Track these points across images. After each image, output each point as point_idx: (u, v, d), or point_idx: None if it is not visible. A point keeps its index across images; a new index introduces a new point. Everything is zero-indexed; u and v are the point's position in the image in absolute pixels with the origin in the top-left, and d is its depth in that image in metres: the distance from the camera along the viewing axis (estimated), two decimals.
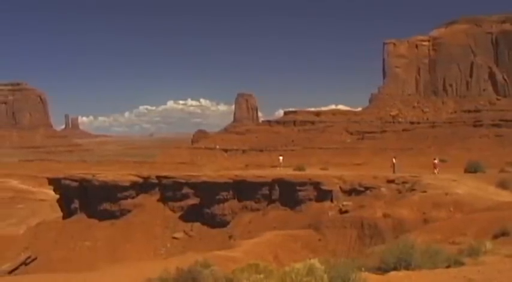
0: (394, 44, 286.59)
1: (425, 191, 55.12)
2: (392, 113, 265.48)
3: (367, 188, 66.03)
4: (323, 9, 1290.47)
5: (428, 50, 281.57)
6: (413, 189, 58.15)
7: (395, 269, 18.70)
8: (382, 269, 19.07)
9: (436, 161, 76.48)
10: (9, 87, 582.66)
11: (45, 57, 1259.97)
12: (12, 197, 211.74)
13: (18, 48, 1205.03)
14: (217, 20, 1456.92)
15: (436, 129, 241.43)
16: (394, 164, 76.36)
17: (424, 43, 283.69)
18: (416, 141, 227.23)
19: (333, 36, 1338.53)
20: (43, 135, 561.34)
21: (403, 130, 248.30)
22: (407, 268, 18.59)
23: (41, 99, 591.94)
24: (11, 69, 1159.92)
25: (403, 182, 64.18)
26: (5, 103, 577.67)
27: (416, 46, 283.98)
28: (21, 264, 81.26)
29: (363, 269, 18.25)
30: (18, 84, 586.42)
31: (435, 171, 72.34)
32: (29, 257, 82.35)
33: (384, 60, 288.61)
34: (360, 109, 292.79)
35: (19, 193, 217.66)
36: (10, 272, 77.50)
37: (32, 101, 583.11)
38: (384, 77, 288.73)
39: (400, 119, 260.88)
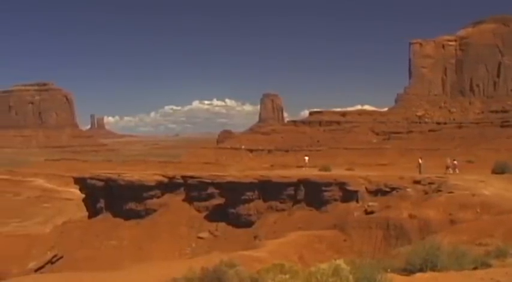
0: (421, 44, 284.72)
1: (451, 192, 54.75)
2: (418, 114, 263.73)
3: (393, 189, 65.56)
4: (349, 10, 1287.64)
5: (455, 50, 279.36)
6: (440, 190, 57.77)
7: (421, 270, 18.61)
8: (408, 270, 18.99)
9: (455, 162, 76.13)
10: (36, 88, 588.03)
11: (71, 58, 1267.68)
12: (39, 196, 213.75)
13: (45, 48, 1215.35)
14: (243, 20, 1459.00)
15: (462, 130, 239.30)
16: (420, 164, 75.96)
17: (451, 43, 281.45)
18: (442, 141, 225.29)
19: (359, 37, 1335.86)
20: (69, 135, 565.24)
21: (430, 130, 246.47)
22: (433, 269, 18.48)
23: (67, 99, 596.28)
24: (38, 69, 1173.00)
25: (430, 183, 63.70)
26: (32, 103, 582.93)
27: (443, 46, 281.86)
28: (47, 263, 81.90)
29: (388, 270, 18.18)
30: (44, 84, 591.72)
31: (450, 171, 72.22)
32: (55, 256, 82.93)
33: (410, 60, 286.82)
34: (386, 109, 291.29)
35: (45, 192, 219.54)
36: (36, 270, 78.17)
37: (58, 101, 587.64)
38: (409, 77, 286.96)
39: (426, 120, 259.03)
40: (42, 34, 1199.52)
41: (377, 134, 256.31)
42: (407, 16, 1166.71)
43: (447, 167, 74.24)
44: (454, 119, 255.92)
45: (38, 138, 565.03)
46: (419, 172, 73.54)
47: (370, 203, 63.36)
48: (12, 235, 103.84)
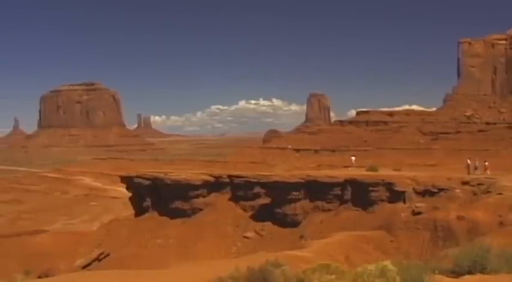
0: (469, 43, 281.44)
1: (501, 193, 53.98)
2: (467, 114, 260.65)
3: (440, 190, 64.91)
4: (397, 10, 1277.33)
5: (505, 48, 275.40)
6: (489, 192, 57.05)
7: (470, 272, 18.31)
8: (456, 272, 18.71)
9: (486, 163, 75.24)
10: (84, 87, 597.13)
11: (119, 57, 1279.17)
12: (86, 194, 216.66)
13: (93, 48, 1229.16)
14: (290, 20, 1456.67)
15: None
16: (468, 165, 75.12)
17: (501, 42, 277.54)
18: (492, 142, 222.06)
19: (407, 36, 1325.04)
20: (116, 134, 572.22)
21: (479, 131, 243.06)
22: (482, 272, 18.17)
23: (114, 98, 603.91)
24: (86, 69, 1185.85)
25: (479, 184, 62.97)
26: (80, 103, 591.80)
27: (493, 45, 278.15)
28: (94, 260, 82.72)
29: (436, 271, 17.94)
30: (92, 84, 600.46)
31: (477, 172, 71.58)
32: (101, 253, 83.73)
33: (458, 59, 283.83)
34: (434, 109, 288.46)
35: (92, 191, 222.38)
36: (83, 267, 78.95)
37: (106, 100, 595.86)
38: (458, 77, 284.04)
39: (475, 120, 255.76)
40: (90, 34, 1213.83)
41: (425, 134, 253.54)
42: (456, 15, 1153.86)
43: (475, 168, 73.67)
44: (503, 119, 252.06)
45: (86, 137, 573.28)
46: (468, 173, 72.73)
47: (417, 204, 62.74)
48: (60, 232, 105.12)
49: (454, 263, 19.50)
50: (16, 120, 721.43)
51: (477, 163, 76.07)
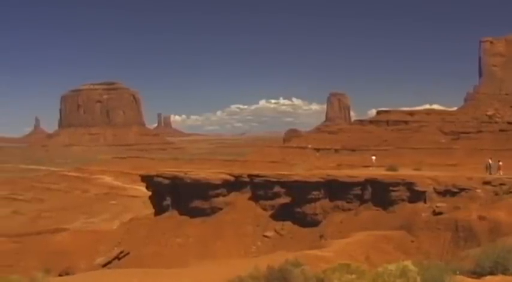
0: (491, 42, 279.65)
1: None
2: (488, 113, 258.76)
3: (461, 189, 64.56)
4: (418, 9, 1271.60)
5: None
6: (511, 192, 56.69)
7: (491, 273, 18.17)
8: (477, 273, 18.57)
9: (500, 163, 74.71)
10: (104, 87, 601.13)
11: (139, 57, 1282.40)
12: (106, 193, 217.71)
13: (113, 48, 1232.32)
14: (310, 19, 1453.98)
15: None
16: (490, 165, 74.66)
17: None
18: None
19: (428, 35, 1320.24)
20: (136, 133, 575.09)
21: (500, 130, 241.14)
22: (504, 273, 18.02)
23: (134, 98, 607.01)
24: (106, 69, 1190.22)
25: (501, 184, 62.57)
26: (100, 102, 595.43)
27: None
28: (114, 259, 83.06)
29: (457, 272, 17.81)
30: (112, 83, 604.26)
31: (491, 172, 71.17)
32: (121, 252, 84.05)
33: (480, 58, 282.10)
34: (455, 109, 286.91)
35: (113, 189, 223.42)
36: (103, 266, 79.35)
37: (126, 99, 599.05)
38: (479, 76, 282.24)
39: (497, 119, 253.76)
40: (110, 34, 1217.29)
41: (445, 133, 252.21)
42: (478, 14, 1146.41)
43: (487, 168, 73.29)
44: None
45: (106, 136, 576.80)
46: (489, 173, 72.29)
47: (438, 204, 62.48)
48: (81, 231, 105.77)
49: (475, 264, 19.38)
50: (37, 120, 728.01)
51: (490, 162, 75.69)
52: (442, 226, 54.76)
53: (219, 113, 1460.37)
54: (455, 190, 65.03)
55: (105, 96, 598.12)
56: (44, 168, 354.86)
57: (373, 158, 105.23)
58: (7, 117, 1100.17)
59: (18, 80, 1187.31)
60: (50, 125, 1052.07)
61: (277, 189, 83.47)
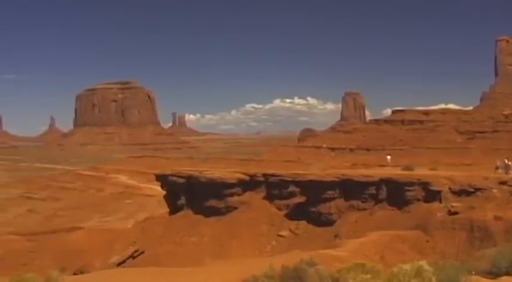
0: (507, 41, 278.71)
1: None
2: (505, 112, 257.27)
3: (477, 189, 64.17)
4: (433, 8, 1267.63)
5: None
6: None
7: (507, 273, 18.10)
8: (493, 273, 18.50)
9: (510, 163, 74.30)
10: (119, 86, 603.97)
11: (154, 56, 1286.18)
12: (121, 192, 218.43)
13: (128, 47, 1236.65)
14: (325, 19, 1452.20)
15: None
16: (506, 165, 74.28)
17: None
18: None
19: (443, 35, 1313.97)
20: (151, 133, 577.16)
21: None
22: None
23: (149, 97, 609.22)
24: (121, 68, 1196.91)
25: None
26: (115, 101, 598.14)
27: None
28: (128, 258, 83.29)
29: (473, 272, 17.75)
30: (127, 83, 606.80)
31: (500, 171, 70.89)
32: (136, 251, 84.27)
33: (495, 58, 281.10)
34: (470, 108, 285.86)
35: (128, 188, 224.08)
36: (118, 265, 79.62)
37: (141, 99, 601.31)
38: (496, 75, 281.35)
39: None
40: (125, 33, 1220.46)
41: (461, 133, 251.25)
42: (494, 13, 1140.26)
43: (496, 168, 72.93)
44: None
45: (121, 135, 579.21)
46: (506, 173, 71.95)
47: (453, 204, 62.22)
48: (96, 230, 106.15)
49: (491, 264, 19.30)
50: (52, 119, 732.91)
51: (498, 163, 75.40)
52: (458, 226, 54.63)
53: (233, 112, 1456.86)
54: (471, 190, 64.66)
55: (120, 96, 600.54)
56: (59, 167, 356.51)
57: (388, 157, 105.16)
58: (23, 116, 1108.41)
59: (33, 80, 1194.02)
60: (65, 124, 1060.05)
61: (292, 188, 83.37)
